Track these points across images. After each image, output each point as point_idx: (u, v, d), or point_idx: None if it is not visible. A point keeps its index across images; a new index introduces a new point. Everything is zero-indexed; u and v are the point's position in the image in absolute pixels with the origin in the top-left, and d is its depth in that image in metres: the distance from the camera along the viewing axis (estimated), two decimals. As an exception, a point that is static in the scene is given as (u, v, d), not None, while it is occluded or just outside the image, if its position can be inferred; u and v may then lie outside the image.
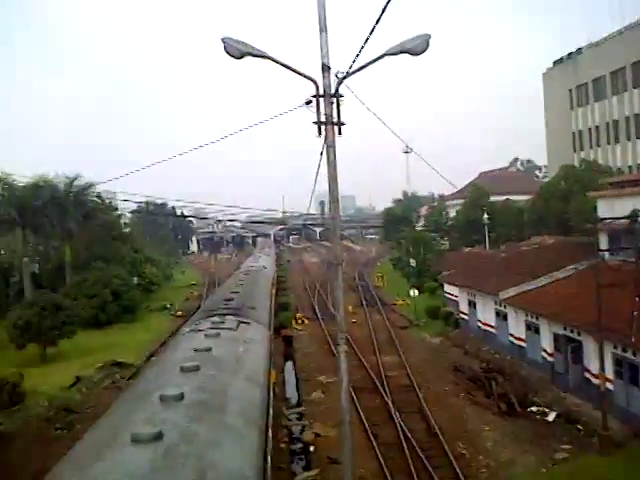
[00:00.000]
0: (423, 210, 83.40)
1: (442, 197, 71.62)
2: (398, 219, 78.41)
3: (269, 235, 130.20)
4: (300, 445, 19.75)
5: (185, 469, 6.55)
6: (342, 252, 10.91)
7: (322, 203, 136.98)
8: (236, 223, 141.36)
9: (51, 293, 35.44)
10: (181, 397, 8.75)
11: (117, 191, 54.31)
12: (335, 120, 9.73)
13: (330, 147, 9.78)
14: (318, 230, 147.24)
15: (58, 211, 45.64)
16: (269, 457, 9.33)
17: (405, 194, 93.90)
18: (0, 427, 20.08)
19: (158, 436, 7.07)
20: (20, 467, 17.47)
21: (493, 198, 58.92)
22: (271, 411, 11.70)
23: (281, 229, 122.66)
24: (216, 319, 17.32)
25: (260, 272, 41.13)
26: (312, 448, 18.88)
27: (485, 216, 50.53)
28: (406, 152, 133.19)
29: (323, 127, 9.73)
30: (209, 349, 12.34)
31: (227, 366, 11.72)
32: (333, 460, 17.69)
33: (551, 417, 19.83)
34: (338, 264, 10.28)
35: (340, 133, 9.81)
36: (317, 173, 11.99)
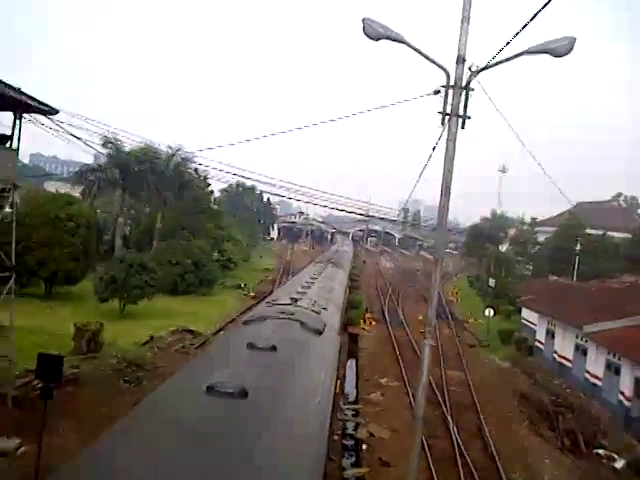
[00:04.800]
0: (511, 232, 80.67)
1: (534, 221, 68.91)
2: (484, 236, 76.30)
3: (348, 234, 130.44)
4: (352, 442, 19.75)
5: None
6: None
7: (406, 210, 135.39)
8: (317, 217, 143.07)
9: (139, 254, 37.30)
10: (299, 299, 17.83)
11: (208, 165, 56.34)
12: (461, 113, 9.66)
13: (451, 140, 9.70)
14: (397, 236, 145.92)
15: (158, 179, 47.86)
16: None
17: (494, 213, 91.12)
18: (76, 371, 21.33)
19: (273, 347, 10.32)
20: (89, 409, 18.59)
21: (588, 231, 56.05)
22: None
23: (360, 230, 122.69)
24: (323, 264, 39.56)
25: (344, 253, 65.92)
26: (364, 446, 18.82)
27: (577, 247, 48.21)
28: (502, 171, 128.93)
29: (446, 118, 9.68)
30: (318, 276, 28.14)
31: (330, 282, 27.70)
32: (384, 462, 17.56)
33: (619, 464, 18.71)
34: (440, 259, 10.28)
35: (464, 127, 9.73)
36: (422, 171, 11.89)
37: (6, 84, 16.80)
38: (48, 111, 19.19)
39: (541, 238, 65.51)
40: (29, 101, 17.79)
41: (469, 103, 9.88)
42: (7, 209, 20.35)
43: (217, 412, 6.86)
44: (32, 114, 19.25)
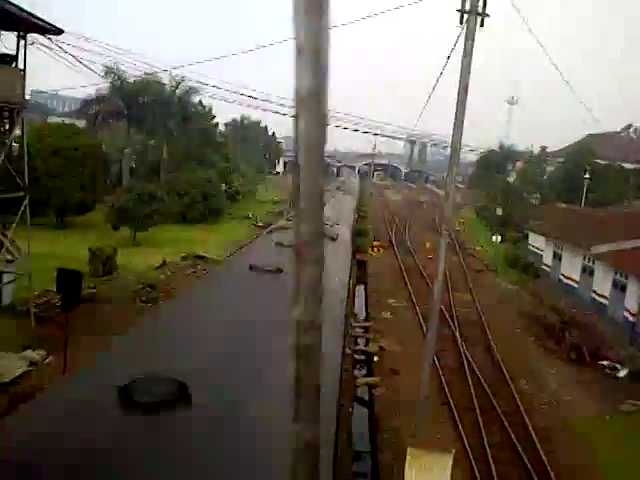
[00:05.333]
0: (519, 163, 79.76)
1: (543, 150, 68.20)
2: (492, 168, 75.66)
3: (354, 168, 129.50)
4: (364, 357, 20.41)
5: None
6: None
7: (412, 142, 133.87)
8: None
9: (147, 184, 37.36)
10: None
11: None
12: (480, 11, 9.60)
13: (469, 40, 9.72)
14: (404, 170, 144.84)
15: (162, 110, 47.14)
16: None
17: (502, 145, 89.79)
18: (94, 290, 21.90)
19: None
20: (106, 325, 19.17)
21: (598, 160, 55.36)
22: None
23: (366, 164, 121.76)
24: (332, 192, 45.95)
25: (352, 185, 75.91)
26: (376, 359, 19.48)
27: (586, 175, 47.84)
28: (511, 103, 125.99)
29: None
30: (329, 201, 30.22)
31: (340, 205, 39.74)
32: (394, 371, 18.23)
33: (622, 373, 19.33)
34: (455, 161, 10.48)
35: (482, 25, 9.72)
36: (438, 78, 11.79)
37: (8, 1, 16.29)
38: (53, 31, 18.69)
39: (550, 169, 64.93)
40: (33, 19, 17.32)
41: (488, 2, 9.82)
42: (17, 131, 20.15)
43: (262, 281, 9.26)
44: (34, 34, 18.74)
